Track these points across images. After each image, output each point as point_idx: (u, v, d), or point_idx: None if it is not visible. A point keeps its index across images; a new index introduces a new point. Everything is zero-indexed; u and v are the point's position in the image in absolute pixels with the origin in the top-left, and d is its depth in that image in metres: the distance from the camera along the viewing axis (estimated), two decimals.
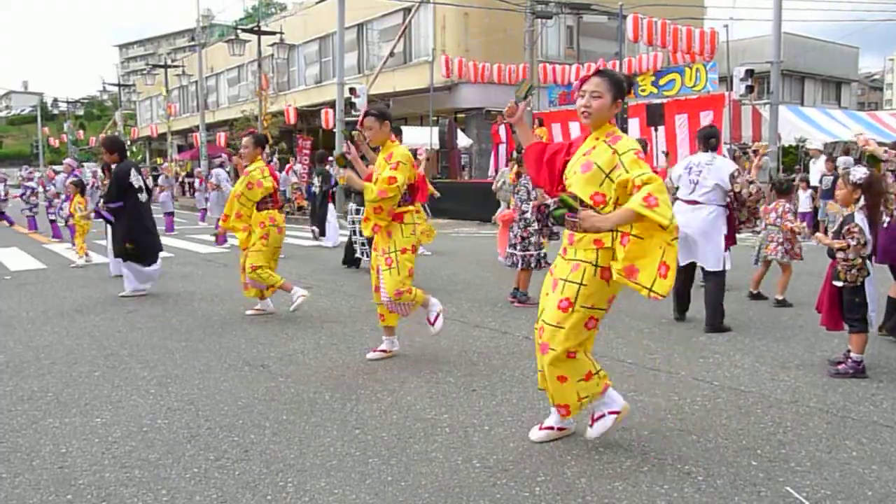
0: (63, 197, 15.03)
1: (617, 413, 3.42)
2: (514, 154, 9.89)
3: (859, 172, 4.71)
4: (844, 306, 4.66)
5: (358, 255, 9.72)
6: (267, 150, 7.08)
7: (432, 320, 5.14)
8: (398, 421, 3.95)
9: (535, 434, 3.64)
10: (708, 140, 6.15)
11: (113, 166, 7.86)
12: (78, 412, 4.16)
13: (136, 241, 7.77)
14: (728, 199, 5.92)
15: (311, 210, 13.19)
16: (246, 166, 6.72)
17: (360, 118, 5.03)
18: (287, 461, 3.42)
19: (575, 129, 20.22)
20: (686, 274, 6.22)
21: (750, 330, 5.99)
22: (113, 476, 3.28)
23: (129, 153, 41.72)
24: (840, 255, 4.56)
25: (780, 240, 7.06)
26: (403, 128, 24.76)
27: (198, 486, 3.16)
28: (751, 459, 3.35)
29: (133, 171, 7.74)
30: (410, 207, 5.05)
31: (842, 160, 15.22)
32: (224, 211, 6.86)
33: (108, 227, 8.35)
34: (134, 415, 4.11)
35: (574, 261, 3.26)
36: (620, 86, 3.23)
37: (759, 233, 7.36)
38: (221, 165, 15.39)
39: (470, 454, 3.47)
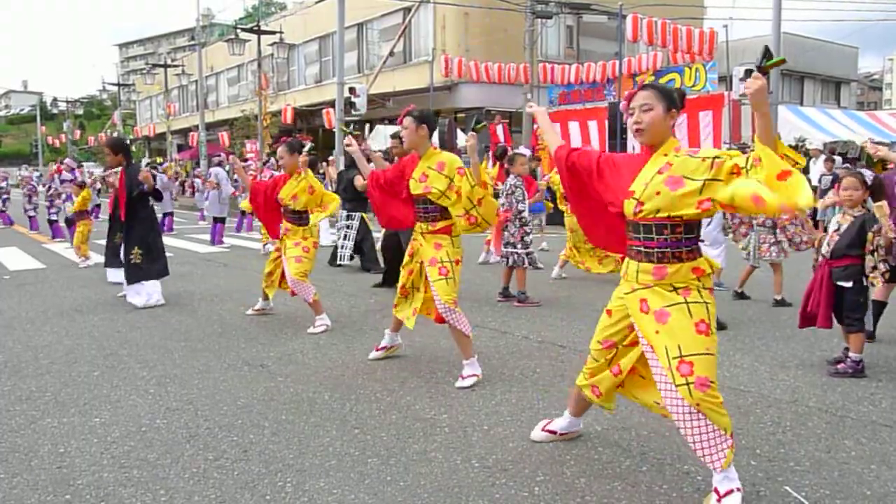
0: (63, 196, 15.04)
1: (741, 489, 2.87)
2: (497, 153, 9.93)
3: (869, 173, 4.77)
4: (847, 306, 4.65)
5: (338, 260, 9.89)
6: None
7: (465, 376, 4.61)
8: (397, 421, 3.95)
9: (537, 434, 3.63)
10: None
11: (113, 168, 7.67)
12: (76, 412, 4.16)
13: (147, 248, 7.37)
14: None
15: None
16: (291, 174, 6.32)
17: (400, 117, 4.74)
18: (286, 461, 3.42)
19: (574, 128, 20.16)
20: None
21: (749, 329, 5.99)
22: (111, 476, 3.27)
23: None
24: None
25: (773, 240, 7.02)
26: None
27: (196, 486, 3.16)
28: (750, 459, 3.35)
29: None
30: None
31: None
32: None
33: (109, 231, 8.26)
34: (133, 415, 4.10)
35: (677, 288, 2.90)
36: (671, 96, 2.97)
37: (745, 235, 7.26)
38: (220, 164, 15.37)
39: (469, 454, 3.47)
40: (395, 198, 4.92)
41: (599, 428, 3.78)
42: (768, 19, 17.10)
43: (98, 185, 16.59)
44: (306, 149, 6.51)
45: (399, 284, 4.96)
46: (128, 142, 8.26)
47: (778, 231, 7.02)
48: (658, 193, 2.87)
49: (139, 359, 5.32)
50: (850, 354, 4.63)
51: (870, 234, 4.68)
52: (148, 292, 7.42)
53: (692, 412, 2.78)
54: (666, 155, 2.95)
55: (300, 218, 6.35)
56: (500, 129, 20.22)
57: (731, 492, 2.82)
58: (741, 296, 7.24)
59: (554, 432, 3.61)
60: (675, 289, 2.91)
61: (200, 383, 4.68)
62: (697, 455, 2.84)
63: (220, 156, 16.35)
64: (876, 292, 5.45)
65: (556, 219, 8.31)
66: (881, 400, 4.16)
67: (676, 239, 2.90)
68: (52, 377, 4.87)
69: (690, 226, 2.91)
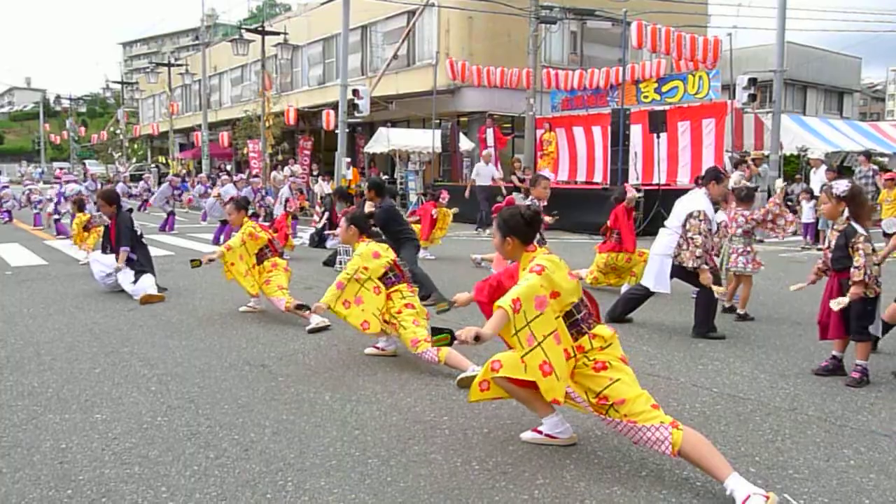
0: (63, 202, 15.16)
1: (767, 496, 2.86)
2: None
3: (842, 185, 4.76)
4: (854, 314, 4.65)
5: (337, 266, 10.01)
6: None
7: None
8: (398, 422, 3.96)
9: (526, 435, 3.71)
10: (702, 179, 6.35)
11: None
12: (78, 408, 4.17)
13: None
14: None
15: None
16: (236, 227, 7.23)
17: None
18: (287, 460, 3.43)
19: (579, 133, 20.26)
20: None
21: (749, 338, 5.99)
22: (113, 472, 3.29)
23: (130, 151, 41.10)
24: (874, 269, 4.57)
25: (741, 250, 6.79)
26: (406, 130, 24.83)
27: (197, 484, 3.17)
28: (749, 466, 3.36)
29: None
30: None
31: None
32: (228, 245, 6.95)
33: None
34: (134, 412, 4.12)
35: None
36: (506, 224, 3.52)
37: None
38: (227, 174, 15.42)
39: (469, 456, 3.48)
40: None
41: (599, 433, 3.79)
42: (772, 28, 17.14)
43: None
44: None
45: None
46: (118, 194, 8.69)
47: (755, 235, 6.94)
48: None
49: (140, 357, 5.34)
50: (859, 362, 4.64)
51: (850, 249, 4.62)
52: (143, 286, 7.72)
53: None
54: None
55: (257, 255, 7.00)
56: (489, 133, 20.15)
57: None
58: (731, 310, 6.92)
59: (539, 432, 3.67)
60: None
61: (201, 382, 4.70)
62: None
63: (224, 162, 16.34)
64: (886, 313, 5.38)
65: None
66: (881, 410, 4.17)
67: None
68: (54, 373, 4.88)
69: None
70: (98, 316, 6.82)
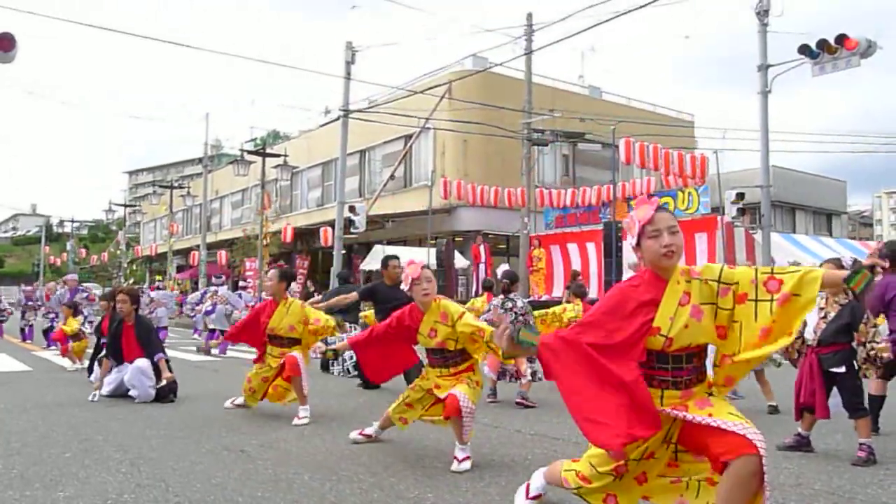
0: (52, 315, 15.00)
1: None
2: (485, 284, 10.09)
3: (848, 259, 4.82)
4: (846, 392, 4.53)
5: (336, 373, 9.71)
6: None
7: (460, 459, 4.37)
8: (379, 499, 3.74)
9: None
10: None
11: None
12: (41, 486, 3.94)
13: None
14: None
15: None
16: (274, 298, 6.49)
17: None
18: None
19: (573, 250, 20.40)
20: None
21: None
22: None
23: (129, 271, 40.77)
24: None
25: None
26: (402, 248, 25.14)
27: None
28: None
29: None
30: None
31: None
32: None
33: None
34: (100, 490, 3.88)
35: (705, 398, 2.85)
36: None
37: None
38: (223, 284, 15.47)
39: None
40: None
41: None
42: (756, 150, 17.69)
43: (97, 307, 15.77)
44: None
45: (406, 398, 4.90)
46: (139, 296, 8.37)
47: None
48: (687, 327, 2.78)
49: (115, 444, 5.10)
50: (861, 440, 4.45)
51: (862, 326, 4.60)
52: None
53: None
54: (678, 283, 2.82)
55: (291, 346, 6.38)
56: (482, 250, 20.39)
57: None
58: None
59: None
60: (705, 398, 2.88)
61: (175, 465, 4.46)
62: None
63: (221, 277, 16.43)
64: (873, 387, 5.27)
65: None
66: (890, 484, 3.95)
67: (701, 363, 2.89)
68: (21, 457, 4.65)
69: (706, 349, 2.91)
70: (76, 410, 6.59)
